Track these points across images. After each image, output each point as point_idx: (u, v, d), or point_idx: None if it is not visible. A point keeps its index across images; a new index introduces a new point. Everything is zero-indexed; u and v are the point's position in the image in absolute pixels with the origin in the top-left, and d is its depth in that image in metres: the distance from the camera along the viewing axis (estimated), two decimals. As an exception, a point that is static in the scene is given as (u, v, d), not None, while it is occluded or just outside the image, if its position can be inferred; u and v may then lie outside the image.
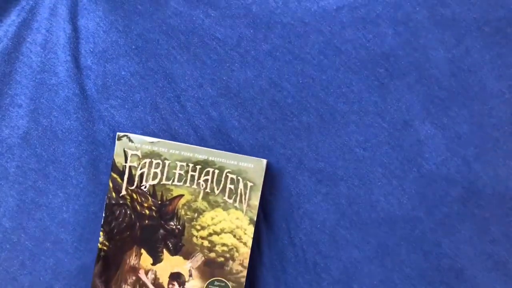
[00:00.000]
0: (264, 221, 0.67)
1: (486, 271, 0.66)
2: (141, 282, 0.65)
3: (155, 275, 0.65)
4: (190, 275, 0.65)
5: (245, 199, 0.64)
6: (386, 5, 0.67)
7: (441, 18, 0.67)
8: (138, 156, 0.65)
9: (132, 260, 0.65)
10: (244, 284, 0.64)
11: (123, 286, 0.65)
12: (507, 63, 0.66)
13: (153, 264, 0.65)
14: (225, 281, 0.64)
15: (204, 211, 0.65)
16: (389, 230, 0.66)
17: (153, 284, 0.65)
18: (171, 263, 0.65)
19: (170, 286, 0.65)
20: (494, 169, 0.66)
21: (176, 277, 0.65)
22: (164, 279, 0.65)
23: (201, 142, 0.67)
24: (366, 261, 0.67)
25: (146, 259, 0.65)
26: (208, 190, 0.65)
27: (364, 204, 0.67)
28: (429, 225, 0.66)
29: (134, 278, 0.65)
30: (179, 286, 0.65)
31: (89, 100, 0.68)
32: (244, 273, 0.64)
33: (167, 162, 0.65)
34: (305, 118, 0.67)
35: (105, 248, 0.65)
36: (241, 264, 0.65)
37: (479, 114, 0.66)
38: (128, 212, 0.65)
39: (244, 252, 0.64)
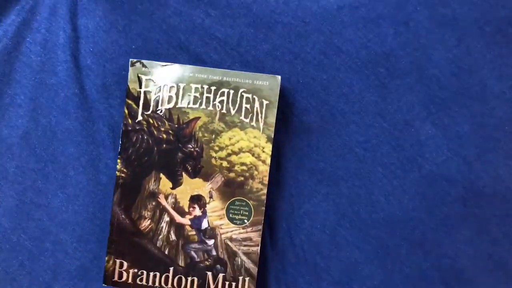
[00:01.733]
0: (264, 220, 0.67)
1: (486, 272, 0.66)
2: (161, 207, 0.65)
3: (175, 199, 0.65)
4: (211, 197, 0.65)
5: (261, 118, 0.64)
6: (386, 5, 0.67)
7: (441, 18, 0.67)
8: (153, 80, 0.65)
9: (152, 186, 0.65)
10: (265, 201, 0.65)
11: (143, 212, 0.64)
12: (507, 63, 0.66)
13: (173, 188, 0.65)
14: (246, 200, 0.64)
15: (221, 132, 0.65)
16: (390, 230, 0.66)
17: (174, 208, 0.65)
18: (190, 186, 0.65)
19: (191, 209, 0.65)
20: (494, 169, 0.66)
21: (196, 199, 0.65)
22: (184, 203, 0.65)
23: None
24: (366, 262, 0.67)
25: (165, 184, 0.65)
26: (224, 110, 0.64)
27: (364, 205, 0.67)
28: (430, 226, 0.66)
29: (154, 203, 0.65)
30: (200, 208, 0.65)
31: (88, 100, 0.67)
32: (265, 191, 0.64)
33: (181, 85, 0.64)
34: (306, 118, 0.67)
35: (123, 175, 0.64)
36: (261, 182, 0.65)
37: (480, 114, 0.66)
38: (145, 137, 0.65)
39: (263, 170, 0.64)
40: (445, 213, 0.66)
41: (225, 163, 0.64)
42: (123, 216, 0.64)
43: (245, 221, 0.64)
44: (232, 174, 0.64)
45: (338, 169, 0.67)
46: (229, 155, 0.64)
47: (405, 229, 0.66)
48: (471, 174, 0.66)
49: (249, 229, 0.65)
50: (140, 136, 0.65)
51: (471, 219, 0.66)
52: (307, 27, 0.67)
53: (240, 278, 0.65)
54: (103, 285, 0.64)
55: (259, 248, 0.64)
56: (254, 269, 0.65)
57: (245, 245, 0.65)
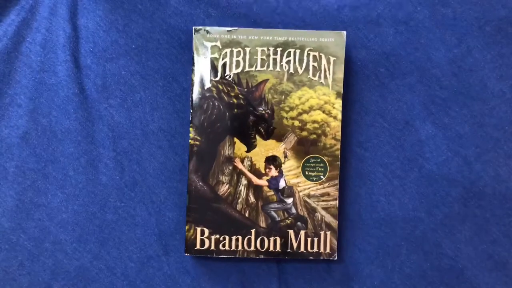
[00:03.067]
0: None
1: (486, 271, 0.66)
2: (238, 170, 0.65)
3: (251, 161, 0.65)
4: (285, 156, 0.65)
5: (329, 74, 0.65)
6: (387, 4, 0.67)
7: (442, 17, 0.67)
8: (218, 46, 0.65)
9: (227, 150, 0.65)
10: (339, 156, 0.65)
11: (221, 177, 0.65)
12: (508, 63, 0.66)
13: (248, 151, 0.65)
14: (320, 156, 0.65)
15: (290, 92, 0.65)
16: (390, 230, 0.66)
17: (250, 170, 0.65)
18: (265, 147, 0.65)
19: (267, 170, 0.65)
20: (495, 169, 0.66)
21: (272, 160, 0.65)
22: (260, 165, 0.65)
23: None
24: (366, 261, 0.66)
25: (240, 148, 0.65)
26: (291, 71, 0.65)
27: (364, 204, 0.67)
28: (430, 225, 0.66)
29: (230, 167, 0.65)
30: (276, 168, 0.65)
31: (88, 100, 0.67)
32: (338, 146, 0.65)
33: (247, 49, 0.65)
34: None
35: (197, 143, 0.65)
36: (334, 138, 0.65)
37: (480, 114, 0.66)
38: (216, 103, 0.65)
39: (335, 126, 0.65)
40: (445, 213, 0.66)
41: (296, 123, 0.65)
42: (200, 183, 0.65)
43: (321, 177, 0.65)
44: (304, 133, 0.65)
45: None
46: (300, 114, 0.65)
47: (405, 228, 0.66)
48: (471, 174, 0.66)
49: (326, 185, 0.65)
50: (211, 103, 0.65)
51: (471, 219, 0.66)
52: (308, 27, 0.67)
53: (321, 233, 0.65)
54: (185, 254, 0.65)
55: (337, 202, 0.65)
56: (334, 222, 0.65)
57: (323, 201, 0.65)
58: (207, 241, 0.65)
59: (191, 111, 0.65)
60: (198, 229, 0.65)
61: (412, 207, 0.66)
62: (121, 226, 0.67)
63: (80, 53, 0.68)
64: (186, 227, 0.65)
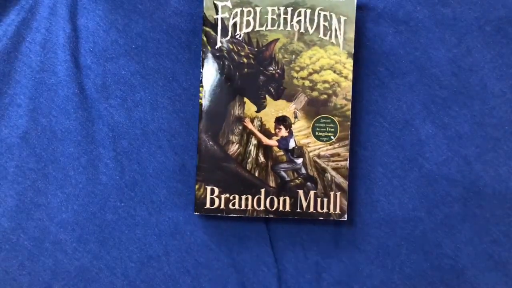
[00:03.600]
0: (265, 219, 0.67)
1: (487, 271, 0.66)
2: (248, 130, 0.65)
3: (261, 121, 0.65)
4: (295, 117, 0.65)
5: (340, 34, 0.64)
6: (387, 4, 0.67)
7: (442, 17, 0.67)
8: (229, 6, 0.64)
9: (237, 110, 0.65)
10: (350, 117, 0.65)
11: (231, 137, 0.65)
12: (508, 63, 0.66)
13: (257, 111, 0.65)
14: (331, 117, 0.65)
15: (301, 51, 0.65)
16: (390, 230, 0.66)
17: (260, 131, 0.65)
18: (275, 107, 0.65)
19: (277, 130, 0.65)
20: (495, 169, 0.66)
21: (282, 120, 0.65)
22: (270, 125, 0.65)
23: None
24: (366, 261, 0.66)
25: (250, 107, 0.65)
26: (302, 30, 0.65)
27: (364, 204, 0.67)
28: (430, 225, 0.66)
29: (240, 127, 0.65)
30: (286, 129, 0.65)
31: (88, 99, 0.67)
32: (349, 106, 0.65)
33: (258, 9, 0.64)
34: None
35: (207, 103, 0.65)
36: (345, 98, 0.65)
37: (480, 113, 0.66)
38: (226, 63, 0.65)
39: (346, 86, 0.65)
40: (445, 213, 0.66)
41: (307, 82, 0.65)
42: (210, 143, 0.65)
43: (332, 137, 0.65)
44: (315, 93, 0.65)
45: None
46: (310, 74, 0.65)
47: (405, 228, 0.66)
48: (471, 174, 0.66)
49: (336, 145, 0.65)
50: (221, 62, 0.65)
51: (471, 218, 0.66)
52: (307, 26, 0.67)
53: (331, 193, 0.65)
54: (195, 213, 0.65)
55: (347, 162, 0.65)
56: (344, 183, 0.65)
57: (333, 161, 0.65)
58: (217, 200, 0.65)
59: (201, 71, 0.64)
60: (208, 188, 0.65)
61: (412, 207, 0.66)
62: (121, 226, 0.66)
63: (80, 53, 0.68)
64: (196, 186, 0.65)
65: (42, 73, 0.67)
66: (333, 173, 0.65)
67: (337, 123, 0.65)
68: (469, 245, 0.66)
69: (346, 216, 0.65)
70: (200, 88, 0.65)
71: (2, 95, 0.67)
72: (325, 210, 0.65)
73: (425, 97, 0.67)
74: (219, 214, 0.65)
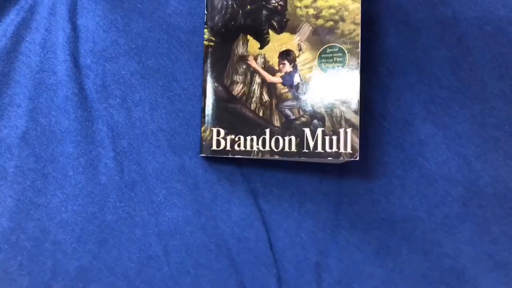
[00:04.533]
0: (265, 219, 0.67)
1: (487, 271, 0.66)
2: (251, 69, 0.64)
3: (265, 58, 0.64)
4: (300, 49, 0.62)
5: None
6: (387, 3, 0.67)
7: (442, 17, 0.67)
8: None
9: (240, 49, 0.64)
10: (360, 43, 0.60)
11: (235, 77, 0.64)
12: (508, 63, 0.66)
13: (261, 48, 0.64)
14: (338, 45, 0.60)
15: None
16: (390, 230, 0.66)
17: (264, 68, 0.64)
18: (278, 42, 0.63)
19: (281, 66, 0.63)
20: (495, 168, 0.66)
21: (285, 55, 0.63)
22: (273, 61, 0.63)
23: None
24: (367, 262, 0.66)
25: (253, 45, 0.64)
26: None
27: (364, 204, 0.67)
28: (430, 225, 0.66)
29: (244, 66, 0.64)
30: (290, 63, 0.63)
31: (88, 99, 0.67)
32: (358, 30, 0.59)
33: None
34: (306, 117, 0.67)
35: (212, 44, 0.64)
36: (353, 22, 0.60)
37: (480, 113, 0.66)
38: (230, 2, 0.64)
39: (355, 8, 0.60)
40: (446, 213, 0.66)
41: (311, 11, 0.62)
42: (215, 84, 0.64)
43: (340, 67, 0.60)
44: (320, 21, 0.61)
45: (338, 168, 0.67)
46: (314, 1, 0.62)
47: (406, 228, 0.66)
48: (471, 174, 0.66)
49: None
50: (225, 2, 0.64)
51: (471, 218, 0.66)
52: None
53: (341, 130, 0.60)
54: (201, 155, 0.65)
55: (358, 94, 0.59)
56: (355, 118, 0.59)
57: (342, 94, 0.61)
58: (223, 142, 0.64)
59: (205, 12, 0.64)
60: (214, 129, 0.64)
61: (412, 206, 0.66)
62: (120, 226, 0.66)
63: (80, 53, 0.68)
64: (202, 128, 0.65)
65: (41, 73, 0.67)
66: (343, 108, 0.60)
67: (345, 51, 0.60)
68: (469, 245, 0.66)
69: (358, 155, 0.59)
70: (205, 30, 0.64)
71: (2, 95, 0.67)
72: (334, 149, 0.60)
73: (425, 97, 0.67)
74: (225, 156, 0.64)
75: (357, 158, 0.59)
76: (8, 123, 0.67)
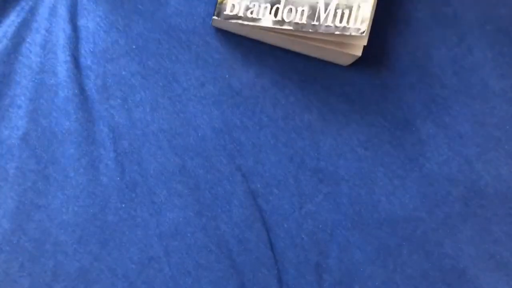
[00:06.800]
0: (265, 220, 0.67)
1: (488, 271, 0.66)
2: None
3: None
4: None
5: None
6: (387, 3, 0.67)
7: (443, 16, 0.67)
8: None
9: None
10: None
11: None
12: (509, 62, 0.66)
13: None
14: None
15: None
16: (391, 230, 0.66)
17: None
18: None
19: None
20: (496, 168, 0.66)
21: None
22: None
23: (202, 142, 0.67)
24: (367, 262, 0.66)
25: None
26: None
27: (365, 204, 0.67)
28: (431, 225, 0.66)
29: None
30: None
31: (89, 100, 0.67)
32: None
33: None
34: (307, 117, 0.67)
35: None
36: None
37: (481, 113, 0.66)
38: None
39: None
40: (447, 213, 0.66)
41: None
42: None
43: None
44: None
45: (339, 168, 0.67)
46: None
47: (407, 229, 0.66)
48: (472, 173, 0.66)
49: None
50: None
51: (472, 218, 0.66)
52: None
53: (355, 4, 0.58)
54: (214, 18, 0.64)
55: None
56: None
57: None
58: (237, 6, 0.63)
59: None
60: None
61: (413, 206, 0.66)
62: (122, 227, 0.66)
63: (80, 53, 0.68)
64: None
65: (42, 74, 0.67)
66: None
67: None
68: (470, 245, 0.66)
69: (365, 32, 0.58)
70: None
71: (2, 97, 0.67)
72: (344, 24, 0.58)
73: (426, 97, 0.67)
74: (235, 21, 0.63)
75: (363, 35, 0.58)
76: (9, 124, 0.67)
